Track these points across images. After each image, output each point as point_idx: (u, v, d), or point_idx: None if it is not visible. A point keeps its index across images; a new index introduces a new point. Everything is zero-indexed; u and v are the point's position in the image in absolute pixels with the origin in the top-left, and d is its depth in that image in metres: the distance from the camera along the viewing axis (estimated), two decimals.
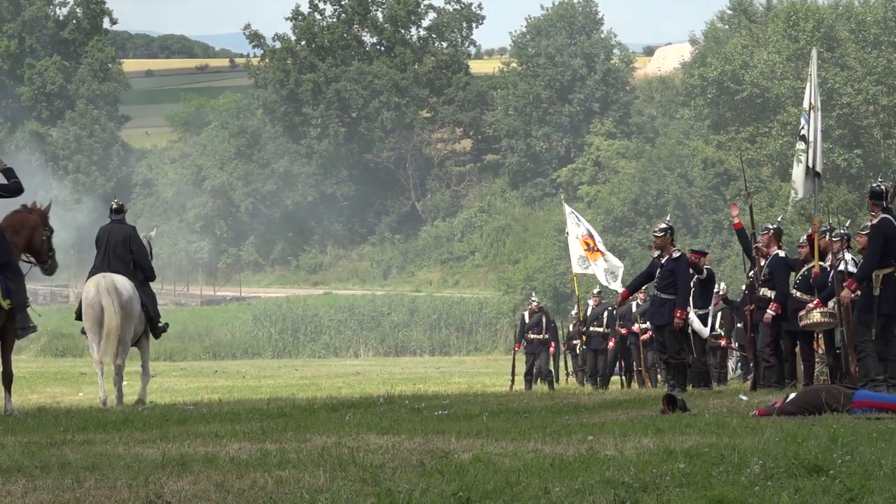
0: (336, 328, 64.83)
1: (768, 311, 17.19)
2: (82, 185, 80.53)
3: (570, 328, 31.67)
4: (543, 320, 29.59)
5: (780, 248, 17.81)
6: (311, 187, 79.63)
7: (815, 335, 17.24)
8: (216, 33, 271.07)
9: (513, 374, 29.20)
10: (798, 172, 17.59)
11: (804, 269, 17.23)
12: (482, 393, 19.79)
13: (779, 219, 20.25)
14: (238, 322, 65.36)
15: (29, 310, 15.05)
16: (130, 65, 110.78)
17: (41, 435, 11.29)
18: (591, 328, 27.93)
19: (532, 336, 29.39)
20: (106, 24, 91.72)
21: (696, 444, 9.51)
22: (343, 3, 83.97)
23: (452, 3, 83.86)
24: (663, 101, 77.86)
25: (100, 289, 16.91)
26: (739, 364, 27.28)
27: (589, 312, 28.35)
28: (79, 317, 17.48)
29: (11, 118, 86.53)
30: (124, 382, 17.76)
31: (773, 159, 64.05)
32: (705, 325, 19.76)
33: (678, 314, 17.52)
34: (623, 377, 27.59)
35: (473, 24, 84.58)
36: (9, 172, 14.65)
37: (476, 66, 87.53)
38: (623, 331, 27.02)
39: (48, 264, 15.85)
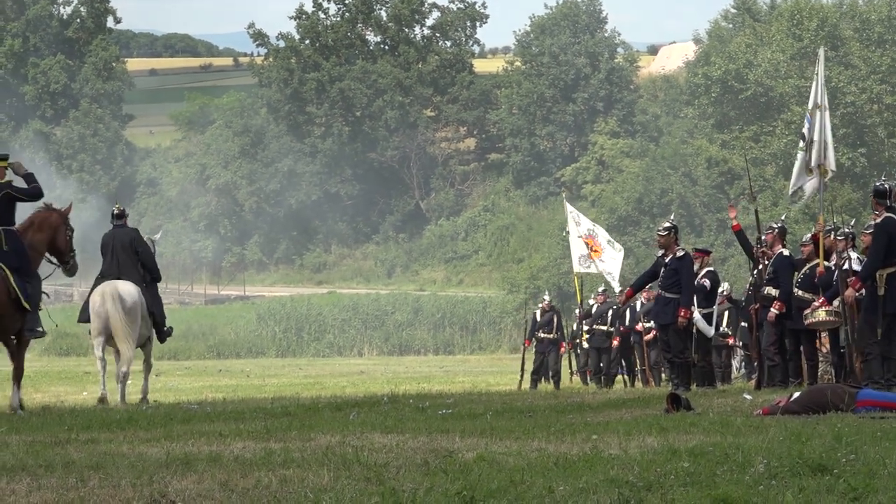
0: (340, 327, 64.81)
1: (772, 309, 17.18)
2: (86, 184, 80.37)
3: (574, 327, 31.63)
4: (555, 319, 29.54)
5: (784, 246, 17.79)
6: (315, 186, 79.56)
7: (818, 334, 17.23)
8: (220, 32, 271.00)
9: (522, 372, 29.11)
10: (795, 169, 17.55)
11: (806, 268, 17.22)
12: (486, 392, 19.80)
13: (783, 217, 20.19)
14: (242, 321, 65.35)
15: (42, 313, 15.18)
16: (134, 64, 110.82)
17: (45, 434, 11.30)
18: (596, 326, 27.93)
19: (542, 335, 29.34)
20: (110, 22, 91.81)
21: (700, 443, 9.51)
22: (347, 1, 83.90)
23: (456, 2, 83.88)
24: (667, 99, 77.78)
25: (105, 297, 17.31)
26: (743, 363, 27.24)
27: (594, 311, 28.33)
28: (80, 319, 17.85)
29: (15, 117, 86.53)
30: (128, 381, 17.93)
31: (776, 158, 64.04)
32: (710, 324, 19.71)
33: (682, 313, 17.54)
34: (625, 377, 27.56)
35: (477, 23, 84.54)
36: (29, 177, 14.80)
37: (480, 65, 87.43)
38: (623, 329, 27.00)
39: (70, 264, 16.06)
